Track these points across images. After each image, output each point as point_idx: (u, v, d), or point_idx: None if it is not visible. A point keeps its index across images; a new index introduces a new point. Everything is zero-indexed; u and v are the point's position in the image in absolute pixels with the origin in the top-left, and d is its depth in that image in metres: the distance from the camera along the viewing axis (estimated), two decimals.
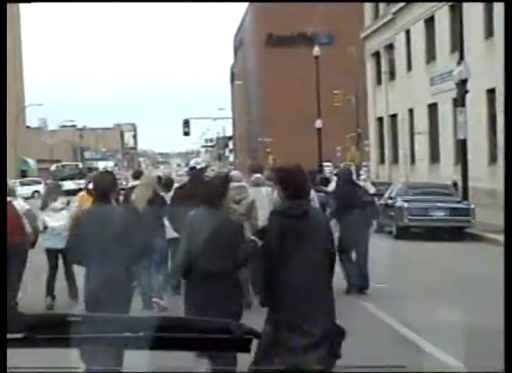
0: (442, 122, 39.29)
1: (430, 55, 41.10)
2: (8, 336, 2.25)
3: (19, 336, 2.27)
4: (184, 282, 7.48)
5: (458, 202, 24.19)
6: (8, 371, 2.30)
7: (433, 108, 40.78)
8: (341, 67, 71.64)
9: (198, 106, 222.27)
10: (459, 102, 27.37)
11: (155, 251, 11.27)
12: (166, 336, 2.31)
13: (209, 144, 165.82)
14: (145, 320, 2.41)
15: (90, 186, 12.52)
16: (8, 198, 12.10)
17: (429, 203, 23.53)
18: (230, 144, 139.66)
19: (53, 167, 72.35)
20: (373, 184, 32.97)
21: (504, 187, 5.26)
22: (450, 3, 35.94)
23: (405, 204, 23.57)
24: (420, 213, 23.31)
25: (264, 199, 12.26)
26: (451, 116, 37.43)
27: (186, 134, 69.54)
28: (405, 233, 23.70)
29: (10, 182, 14.74)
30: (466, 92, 26.69)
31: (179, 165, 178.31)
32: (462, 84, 26.65)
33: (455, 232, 23.41)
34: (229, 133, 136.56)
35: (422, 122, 42.26)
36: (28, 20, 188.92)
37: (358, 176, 53.19)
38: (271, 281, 6.32)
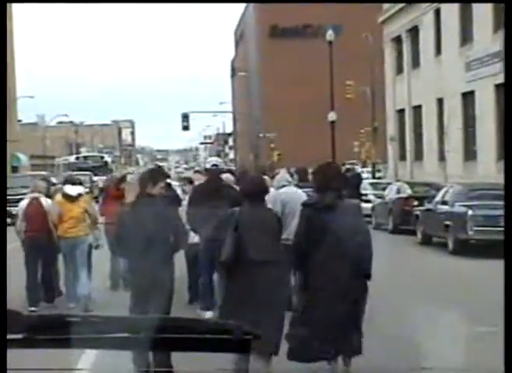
0: (480, 112, 34.20)
1: (466, 37, 35.95)
2: (8, 336, 2.16)
3: (19, 336, 2.17)
4: (229, 273, 7.61)
5: None
6: (8, 372, 2.22)
7: (468, 96, 35.71)
8: (353, 57, 67.35)
9: (198, 102, 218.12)
10: None
11: None
12: (164, 337, 2.21)
13: (208, 140, 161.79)
14: (145, 320, 2.44)
15: (66, 189, 12.06)
16: (36, 194, 12.25)
17: (501, 211, 18.37)
18: (230, 141, 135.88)
19: (72, 158, 66.88)
20: (409, 184, 28.16)
21: (504, 187, 5.26)
22: None
23: (469, 212, 18.42)
24: (489, 223, 18.05)
25: None
26: (493, 104, 32.54)
27: (185, 128, 67.68)
28: (465, 247, 18.77)
29: (39, 179, 13.84)
30: None
31: (178, 161, 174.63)
32: None
33: None
34: (229, 129, 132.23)
35: (454, 113, 37.13)
36: (26, 16, 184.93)
37: (373, 174, 48.60)
38: (304, 268, 7.01)
